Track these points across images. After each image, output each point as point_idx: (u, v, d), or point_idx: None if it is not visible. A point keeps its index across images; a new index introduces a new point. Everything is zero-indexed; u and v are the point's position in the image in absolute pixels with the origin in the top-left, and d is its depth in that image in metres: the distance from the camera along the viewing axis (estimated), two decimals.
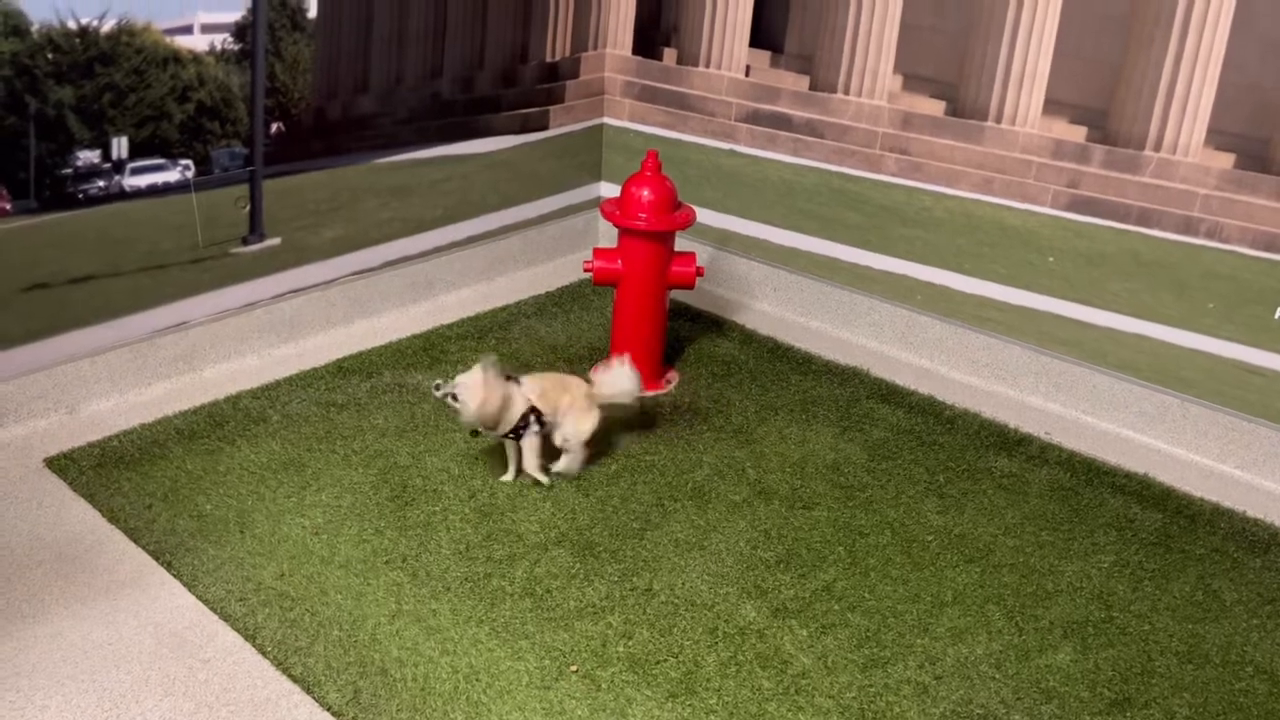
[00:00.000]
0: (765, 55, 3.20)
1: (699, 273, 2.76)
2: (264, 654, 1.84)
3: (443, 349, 3.01)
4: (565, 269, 3.58)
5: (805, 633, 1.98)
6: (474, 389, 2.25)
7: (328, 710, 1.73)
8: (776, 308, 3.37)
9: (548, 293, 3.42)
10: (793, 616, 2.02)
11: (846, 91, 3.04)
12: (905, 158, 2.99)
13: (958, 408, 2.82)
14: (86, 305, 2.50)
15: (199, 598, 1.97)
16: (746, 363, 3.02)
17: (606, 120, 3.62)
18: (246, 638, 1.88)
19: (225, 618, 1.92)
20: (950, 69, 2.87)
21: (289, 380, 2.76)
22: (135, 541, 2.11)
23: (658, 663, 1.88)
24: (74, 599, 1.95)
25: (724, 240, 3.44)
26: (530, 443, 2.35)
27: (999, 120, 2.81)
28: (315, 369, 2.83)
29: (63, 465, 2.33)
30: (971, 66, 2.82)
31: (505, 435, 2.34)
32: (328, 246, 2.97)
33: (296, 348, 2.93)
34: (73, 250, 2.44)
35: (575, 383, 2.43)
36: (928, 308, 3.05)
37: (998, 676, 1.91)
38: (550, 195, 3.59)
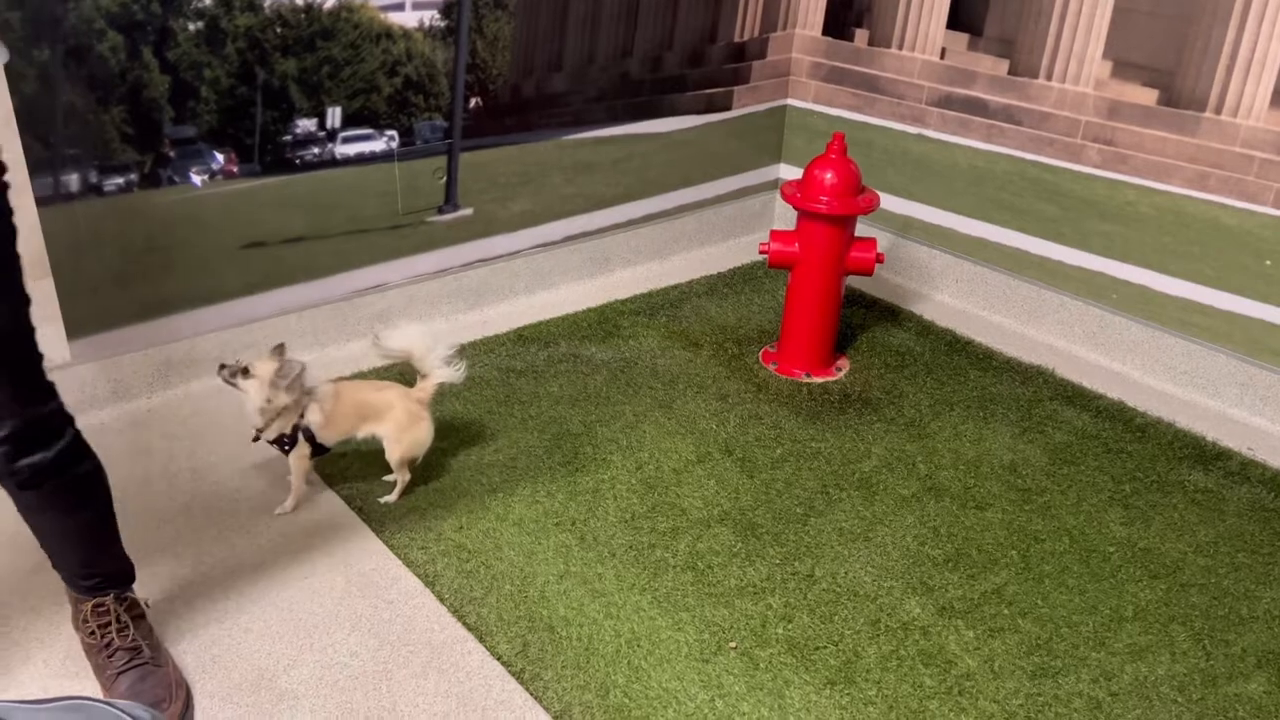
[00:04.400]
0: (963, 38, 3.09)
1: (879, 259, 2.71)
2: (441, 600, 1.95)
3: (616, 323, 3.08)
4: (738, 250, 3.58)
5: (972, 634, 1.93)
6: (259, 381, 2.06)
7: (498, 659, 1.82)
8: (957, 299, 3.27)
9: (720, 273, 3.44)
10: (959, 617, 1.97)
11: (1049, 77, 2.90)
12: (1110, 148, 2.83)
13: (1150, 415, 2.66)
14: (296, 264, 2.69)
15: (385, 543, 2.10)
16: (922, 355, 2.95)
17: (790, 101, 3.59)
18: (426, 584, 1.99)
19: (408, 564, 2.04)
20: (1166, 56, 2.68)
21: (472, 345, 2.90)
22: (330, 486, 2.27)
23: (817, 649, 1.87)
24: (276, 535, 2.12)
25: (905, 227, 3.35)
26: (296, 460, 2.15)
27: (1219, 111, 2.61)
28: (497, 336, 2.96)
29: None
30: (1191, 53, 2.63)
31: (271, 443, 2.13)
32: (514, 219, 3.08)
33: (481, 315, 3.07)
34: (287, 212, 2.63)
35: (398, 394, 2.20)
36: (1123, 308, 2.89)
37: (1180, 700, 1.81)
38: (728, 176, 3.59)
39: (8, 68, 2.11)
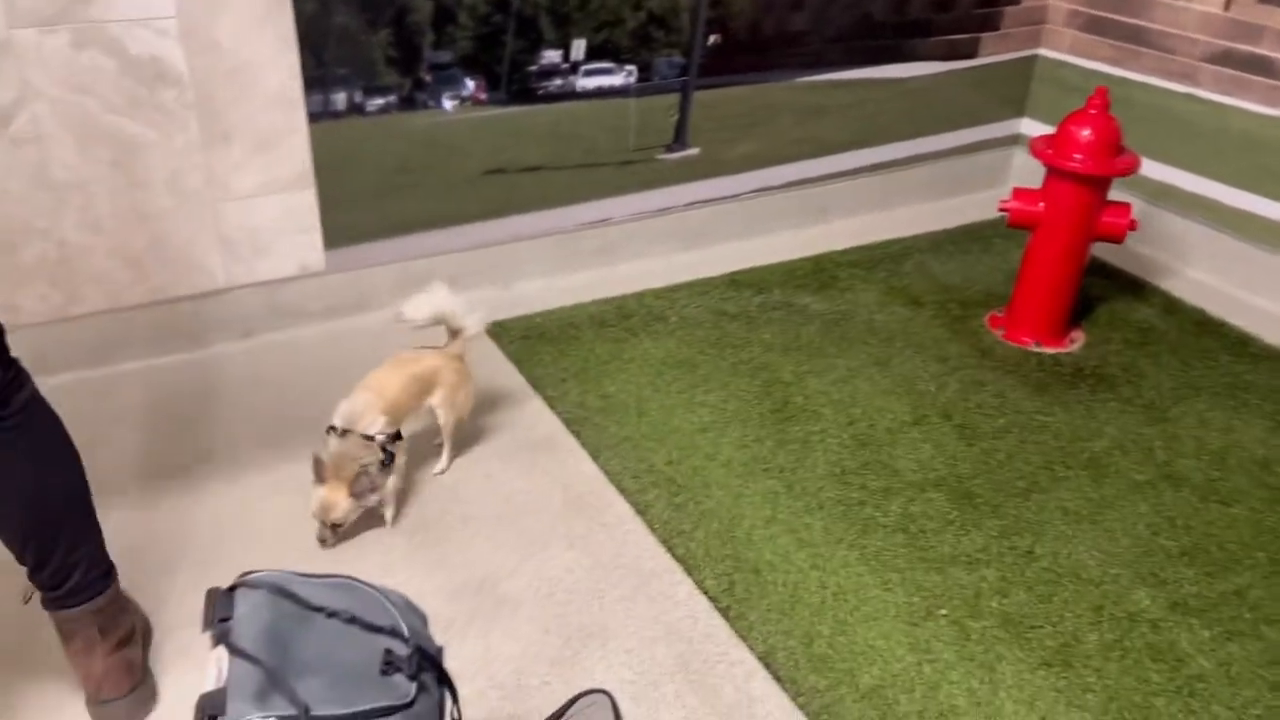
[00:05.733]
0: None
1: (1131, 226, 2.52)
2: (651, 529, 2.00)
3: (832, 274, 3.02)
4: (968, 207, 3.42)
5: (1207, 634, 1.80)
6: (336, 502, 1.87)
7: (704, 594, 1.85)
8: (1212, 276, 3.00)
9: (946, 230, 3.30)
10: (1194, 615, 1.84)
11: None
12: None
13: None
14: (530, 193, 2.78)
15: (600, 468, 2.17)
16: (1167, 333, 2.73)
17: (1041, 51, 3.37)
18: (638, 511, 2.05)
19: (621, 490, 2.10)
20: None
21: (688, 285, 2.92)
22: (551, 409, 2.36)
23: (1033, 627, 1.80)
24: (501, 450, 2.22)
25: (1160, 194, 3.10)
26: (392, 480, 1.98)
27: None
28: (711, 278, 2.96)
29: (497, 332, 2.64)
30: None
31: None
32: (739, 161, 3.05)
33: (697, 255, 3.08)
34: (527, 142, 2.71)
35: (438, 358, 2.07)
36: None
37: None
38: (964, 128, 3.42)
39: None
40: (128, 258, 2.35)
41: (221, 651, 1.09)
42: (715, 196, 3.06)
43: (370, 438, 1.89)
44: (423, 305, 2.07)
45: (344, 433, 1.89)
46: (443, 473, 2.14)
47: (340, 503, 1.86)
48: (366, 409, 1.92)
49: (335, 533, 1.91)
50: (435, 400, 2.07)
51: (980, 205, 3.40)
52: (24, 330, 2.29)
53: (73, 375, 2.38)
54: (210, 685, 1.07)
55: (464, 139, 2.62)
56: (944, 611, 1.83)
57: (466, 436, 2.25)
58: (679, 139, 2.92)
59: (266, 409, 2.31)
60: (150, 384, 2.38)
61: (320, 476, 1.87)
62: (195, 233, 2.39)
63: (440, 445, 2.16)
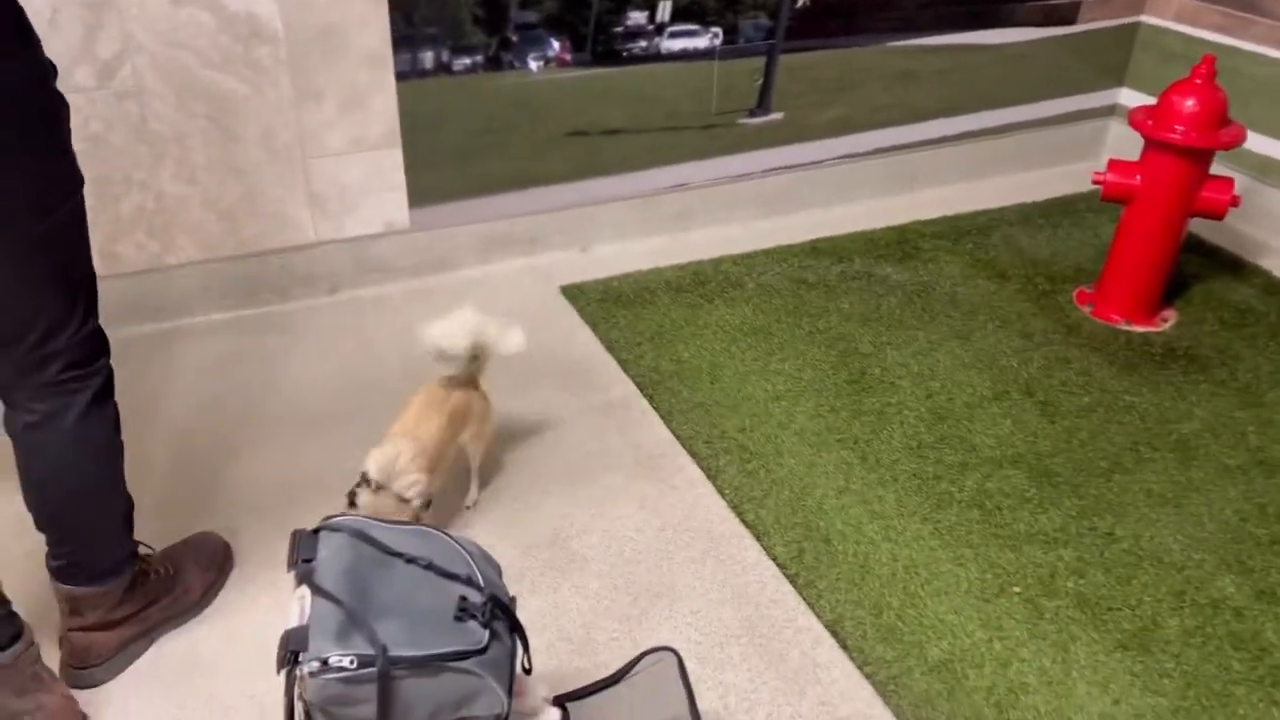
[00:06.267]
0: None
1: (1233, 203, 2.41)
2: (722, 494, 2.01)
3: (916, 244, 2.97)
4: (1060, 179, 3.31)
5: None
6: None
7: (773, 560, 1.85)
8: None
9: (1036, 202, 3.21)
10: None
11: None
12: None
13: None
14: (611, 156, 2.78)
15: (673, 432, 2.18)
16: (1266, 315, 2.62)
17: (1145, 19, 3.23)
18: (709, 476, 2.05)
19: (692, 454, 2.11)
20: None
21: (766, 253, 2.89)
22: (625, 371, 2.37)
23: (1110, 609, 1.76)
24: (575, 410, 2.25)
25: (1264, 170, 2.96)
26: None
27: None
28: (791, 245, 2.93)
29: (574, 294, 2.66)
30: None
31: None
32: (824, 127, 3.00)
33: (776, 223, 3.04)
34: (609, 104, 2.71)
35: (463, 392, 1.86)
36: None
37: None
38: (1060, 97, 3.31)
39: None
40: (220, 210, 2.42)
41: (305, 590, 1.14)
42: (798, 163, 3.02)
43: (407, 500, 1.67)
44: (456, 334, 1.82)
45: (378, 488, 1.65)
46: (473, 506, 1.95)
47: None
48: (405, 464, 1.68)
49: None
50: (466, 437, 1.86)
51: (1073, 178, 3.29)
52: (122, 279, 2.39)
53: (166, 324, 2.47)
54: (293, 623, 1.11)
55: (547, 100, 2.63)
56: (1017, 589, 1.80)
57: (542, 397, 2.28)
58: (763, 103, 2.88)
59: (350, 363, 2.37)
60: (238, 335, 2.47)
61: None
62: (285, 188, 2.45)
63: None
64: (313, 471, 2.02)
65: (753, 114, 2.88)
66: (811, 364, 2.41)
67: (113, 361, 1.48)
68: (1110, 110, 3.38)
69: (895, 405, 2.28)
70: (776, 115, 2.91)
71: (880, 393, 2.32)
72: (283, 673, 1.07)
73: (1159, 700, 1.60)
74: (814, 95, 2.93)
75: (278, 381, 2.30)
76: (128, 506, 1.57)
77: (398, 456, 1.67)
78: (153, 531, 1.71)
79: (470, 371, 1.90)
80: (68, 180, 1.33)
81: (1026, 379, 2.37)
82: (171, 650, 1.64)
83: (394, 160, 2.52)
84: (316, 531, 1.21)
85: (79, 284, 1.38)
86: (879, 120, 3.07)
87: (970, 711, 1.57)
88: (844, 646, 1.68)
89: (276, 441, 2.11)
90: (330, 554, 1.18)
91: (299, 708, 1.07)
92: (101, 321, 1.45)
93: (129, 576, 1.58)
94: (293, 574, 1.17)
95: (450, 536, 1.27)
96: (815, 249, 2.93)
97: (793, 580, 1.81)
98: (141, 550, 1.63)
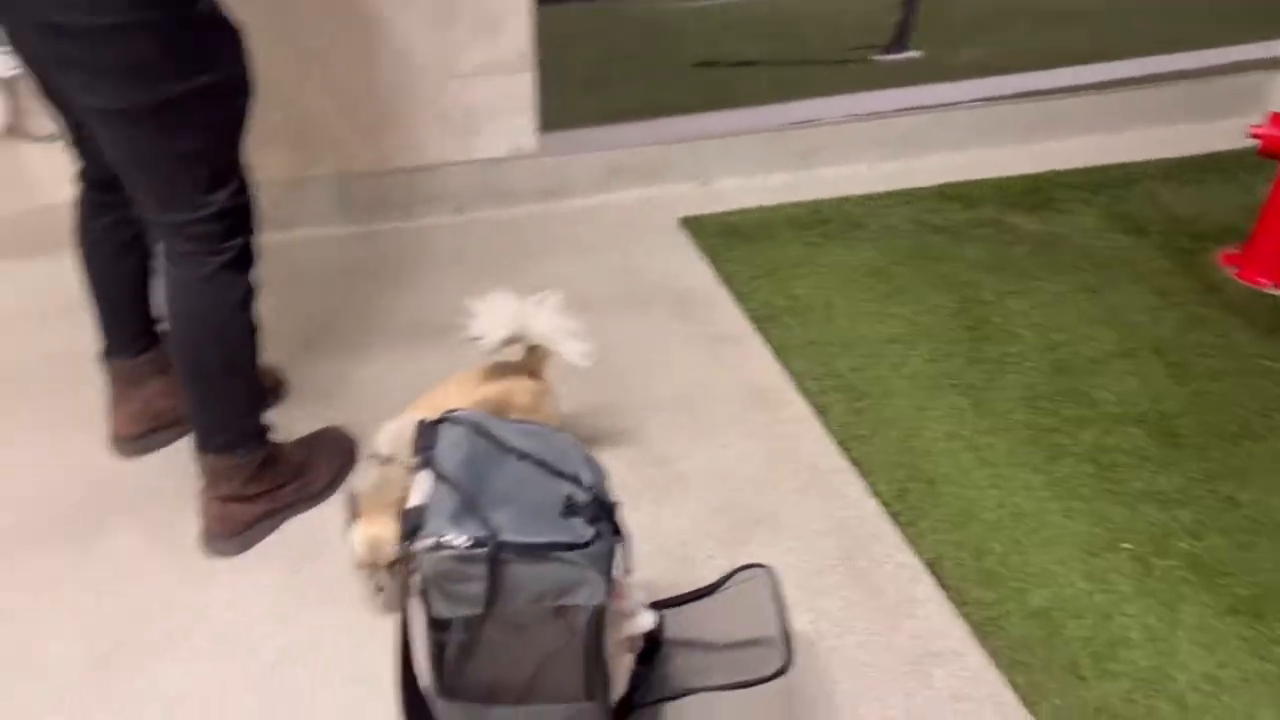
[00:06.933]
0: None
1: None
2: (828, 431, 2.01)
3: (1050, 194, 2.86)
4: (1212, 134, 3.13)
5: None
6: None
7: (876, 498, 1.85)
8: None
9: (1184, 157, 3.04)
10: None
11: None
12: None
13: None
14: (739, 88, 2.75)
15: (783, 367, 2.18)
16: None
17: None
18: (817, 412, 2.06)
19: (802, 391, 2.12)
20: None
21: (891, 194, 2.84)
22: (738, 305, 2.38)
23: (1224, 574, 1.71)
24: (686, 340, 2.27)
25: None
26: None
27: None
28: (918, 189, 2.87)
29: (693, 226, 2.67)
30: None
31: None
32: (963, 68, 2.90)
33: (905, 164, 2.98)
34: (741, 35, 2.68)
35: (513, 381, 1.71)
36: None
37: None
38: (1223, 45, 3.11)
39: None
40: (358, 126, 2.51)
41: (426, 475, 1.21)
42: (932, 103, 2.94)
43: None
44: (496, 321, 1.65)
45: (386, 460, 1.53)
46: None
47: (389, 534, 1.46)
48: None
49: (392, 574, 1.52)
50: None
51: (1226, 133, 3.10)
52: (264, 188, 2.51)
53: (302, 232, 2.59)
54: (414, 503, 1.18)
55: (680, 29, 2.62)
56: (1127, 545, 1.76)
57: (654, 324, 2.31)
58: (900, 40, 2.80)
59: (471, 280, 2.45)
60: (367, 247, 2.57)
61: (355, 512, 1.51)
62: (419, 108, 2.53)
63: None
64: (434, 376, 2.11)
65: (889, 50, 2.81)
66: (930, 309, 2.37)
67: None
68: (1275, 63, 3.16)
69: (1014, 355, 2.23)
70: (914, 53, 2.83)
71: (1000, 342, 2.27)
72: (402, 547, 1.15)
73: (1267, 667, 1.55)
74: (955, 33, 2.83)
75: (403, 294, 2.40)
76: (258, 387, 1.70)
77: (408, 428, 1.42)
78: (284, 424, 1.83)
79: (528, 361, 1.74)
80: (193, 63, 1.40)
81: (1157, 338, 2.27)
82: (298, 531, 1.77)
83: (524, 84, 2.56)
84: (438, 423, 1.28)
85: (202, 163, 1.48)
86: (1022, 63, 2.94)
87: (1067, 659, 1.56)
88: (942, 585, 1.68)
89: (400, 349, 2.20)
90: (450, 444, 1.24)
91: (414, 580, 1.14)
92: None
93: (259, 454, 1.70)
94: (416, 459, 1.24)
95: (562, 438, 1.33)
96: (943, 193, 2.85)
97: (894, 518, 1.81)
98: (274, 437, 1.74)
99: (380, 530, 1.49)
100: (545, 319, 1.66)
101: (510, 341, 1.67)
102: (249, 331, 1.62)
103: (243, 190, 1.55)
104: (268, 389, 1.85)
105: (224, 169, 1.52)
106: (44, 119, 2.28)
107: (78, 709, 1.46)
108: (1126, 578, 1.70)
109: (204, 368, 1.61)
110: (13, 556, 1.70)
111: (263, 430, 1.72)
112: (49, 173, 2.33)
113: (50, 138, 2.30)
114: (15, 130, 2.27)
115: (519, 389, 1.71)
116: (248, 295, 1.60)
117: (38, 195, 2.36)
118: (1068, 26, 2.92)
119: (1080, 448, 1.97)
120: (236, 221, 1.55)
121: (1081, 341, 2.27)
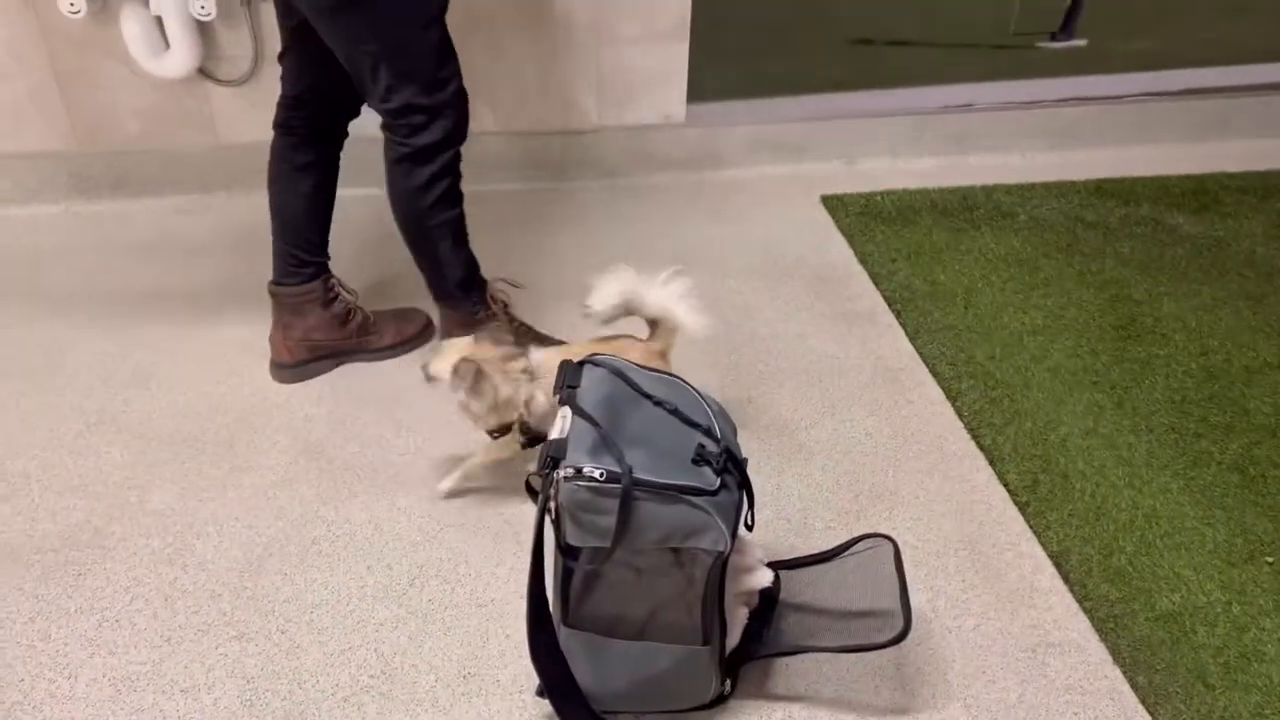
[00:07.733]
0: None
1: None
2: (960, 416, 1.99)
3: (1215, 196, 2.73)
4: None
5: None
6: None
7: (1005, 486, 1.83)
8: None
9: None
10: None
11: None
12: None
13: None
14: (894, 68, 2.72)
15: (916, 350, 2.16)
16: None
17: None
18: (949, 397, 2.04)
19: (934, 374, 2.10)
20: None
21: (1045, 186, 2.76)
22: (876, 285, 2.37)
23: None
24: (819, 315, 2.28)
25: None
26: (493, 450, 1.76)
27: None
28: (1073, 182, 2.78)
29: (834, 205, 2.66)
30: None
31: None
32: (1131, 59, 2.79)
33: (1061, 157, 2.89)
34: (902, 12, 2.64)
35: (630, 344, 1.70)
36: None
37: None
38: None
39: None
40: (517, 88, 2.60)
41: (567, 410, 1.26)
42: (1095, 95, 2.83)
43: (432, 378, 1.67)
44: (610, 293, 1.65)
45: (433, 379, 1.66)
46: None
47: (484, 354, 1.64)
48: (457, 364, 1.62)
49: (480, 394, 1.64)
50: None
51: None
52: None
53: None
54: (555, 435, 1.24)
55: (837, 3, 2.60)
56: (1270, 559, 1.68)
57: (789, 298, 2.32)
58: (1067, 27, 2.71)
59: (621, 242, 2.51)
60: (519, 207, 2.66)
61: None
62: (576, 73, 2.59)
63: None
64: (564, 332, 2.18)
65: (1054, 37, 2.72)
66: (1077, 303, 2.31)
67: None
68: None
69: (1163, 358, 2.15)
70: (1080, 41, 2.74)
71: (1148, 343, 2.19)
72: (542, 475, 1.21)
73: None
74: (1125, 22, 2.73)
75: (550, 251, 2.48)
76: (454, 260, 1.96)
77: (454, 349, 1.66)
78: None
79: (654, 337, 1.72)
80: None
81: None
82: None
83: (679, 53, 2.60)
84: (582, 364, 1.34)
85: (381, 63, 1.67)
86: (1194, 57, 2.81)
87: (1194, 666, 1.51)
88: (1066, 579, 1.65)
89: (543, 310, 2.27)
90: (591, 384, 1.30)
91: (552, 506, 1.21)
92: None
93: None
94: (558, 396, 1.30)
95: (696, 390, 1.37)
96: (1100, 188, 2.76)
97: (1022, 508, 1.78)
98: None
99: (476, 351, 1.64)
100: (660, 292, 1.65)
101: (621, 313, 1.67)
102: (426, 214, 1.86)
103: (425, 96, 1.72)
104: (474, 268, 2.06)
105: (405, 71, 1.69)
106: (232, 64, 2.45)
107: (230, 604, 1.59)
108: (1266, 591, 1.63)
109: (403, 235, 1.91)
110: (183, 462, 1.85)
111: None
112: (235, 114, 2.51)
113: (239, 80, 2.47)
114: (206, 73, 2.44)
115: (628, 346, 1.69)
116: (429, 184, 1.82)
117: (224, 134, 2.54)
118: (1246, 20, 2.76)
119: (1227, 456, 1.90)
120: (420, 123, 1.74)
121: (1238, 350, 2.17)
